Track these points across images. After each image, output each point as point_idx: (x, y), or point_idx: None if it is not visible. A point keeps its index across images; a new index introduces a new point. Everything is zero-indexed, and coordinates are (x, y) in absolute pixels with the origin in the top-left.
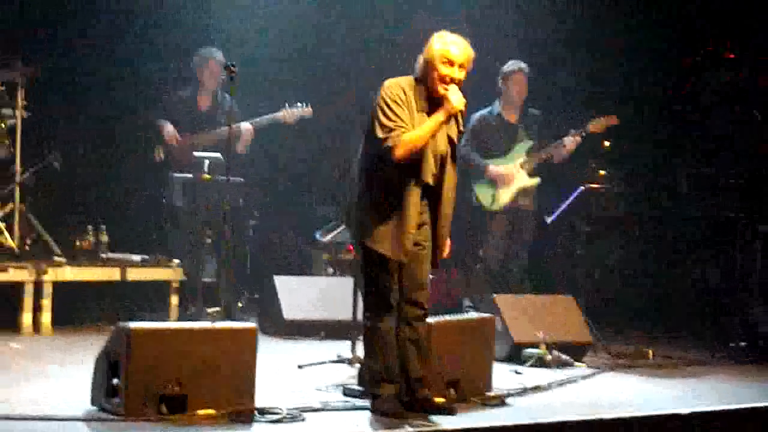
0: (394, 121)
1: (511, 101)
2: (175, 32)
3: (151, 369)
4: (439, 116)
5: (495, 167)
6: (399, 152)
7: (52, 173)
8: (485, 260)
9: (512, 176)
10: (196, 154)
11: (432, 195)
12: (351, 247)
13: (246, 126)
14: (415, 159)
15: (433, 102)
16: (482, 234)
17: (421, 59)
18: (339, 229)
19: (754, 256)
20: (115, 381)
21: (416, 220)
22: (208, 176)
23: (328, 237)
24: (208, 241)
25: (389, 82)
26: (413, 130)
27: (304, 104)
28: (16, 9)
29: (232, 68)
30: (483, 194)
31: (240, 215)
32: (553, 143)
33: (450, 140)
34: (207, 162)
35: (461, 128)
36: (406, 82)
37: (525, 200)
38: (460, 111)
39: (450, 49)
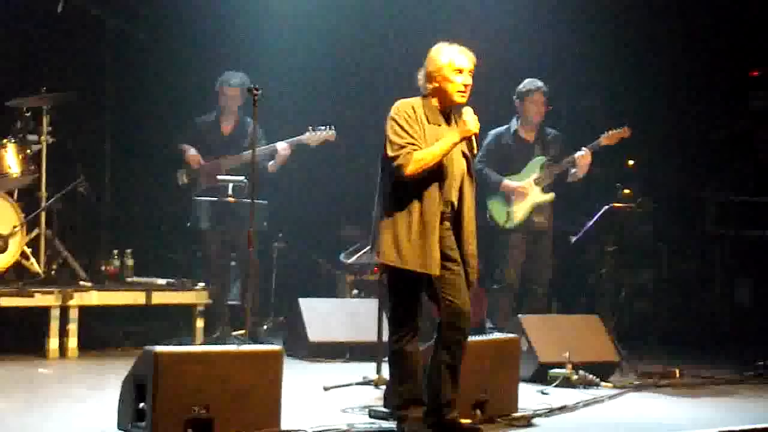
0: (404, 138)
1: (529, 121)
2: (200, 56)
3: (177, 393)
4: (454, 137)
5: (509, 182)
6: (409, 169)
7: (77, 198)
8: (505, 281)
9: (527, 191)
10: (219, 177)
11: (453, 215)
12: (376, 269)
13: (282, 145)
14: (437, 176)
15: (445, 114)
16: (498, 253)
17: (423, 74)
18: (363, 251)
19: None
20: (141, 405)
21: (442, 240)
22: (232, 199)
23: (353, 258)
24: (233, 264)
25: (399, 102)
26: (425, 148)
27: (328, 127)
28: (41, 35)
29: (255, 91)
30: (497, 211)
31: (264, 238)
32: (565, 159)
33: (465, 156)
34: (231, 185)
35: (475, 151)
36: (415, 100)
37: (540, 217)
38: (475, 134)
39: (456, 57)
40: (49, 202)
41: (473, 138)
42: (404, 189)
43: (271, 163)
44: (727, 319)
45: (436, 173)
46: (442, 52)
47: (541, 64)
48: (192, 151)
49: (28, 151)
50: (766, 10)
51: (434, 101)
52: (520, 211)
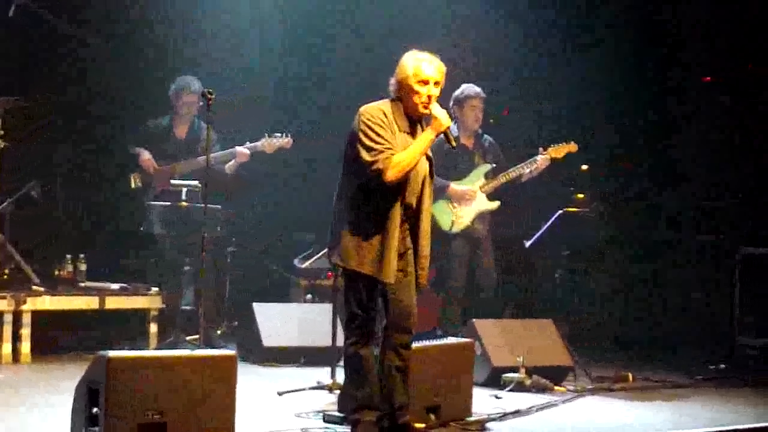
0: (381, 144)
1: (467, 126)
2: (154, 59)
3: (131, 398)
4: (429, 134)
5: (457, 186)
6: (390, 174)
7: (30, 202)
8: (450, 287)
9: (473, 197)
10: (173, 182)
11: (410, 217)
12: (330, 274)
13: (241, 149)
14: (399, 183)
15: (413, 122)
16: (444, 259)
17: (393, 81)
18: (317, 256)
19: (736, 278)
20: (95, 410)
21: (399, 241)
22: (186, 203)
23: (307, 263)
24: (187, 268)
25: (367, 107)
26: (402, 152)
27: (284, 134)
28: None
29: (209, 95)
30: (441, 216)
31: (218, 242)
32: (517, 164)
33: (428, 158)
34: (185, 189)
35: (453, 144)
36: (383, 105)
37: (480, 225)
38: (448, 127)
39: (422, 67)
40: (2, 206)
41: (448, 132)
42: (366, 192)
43: (230, 163)
44: (680, 324)
45: (404, 178)
46: (409, 61)
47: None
48: (146, 155)
49: None
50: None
51: (402, 107)
52: (465, 216)
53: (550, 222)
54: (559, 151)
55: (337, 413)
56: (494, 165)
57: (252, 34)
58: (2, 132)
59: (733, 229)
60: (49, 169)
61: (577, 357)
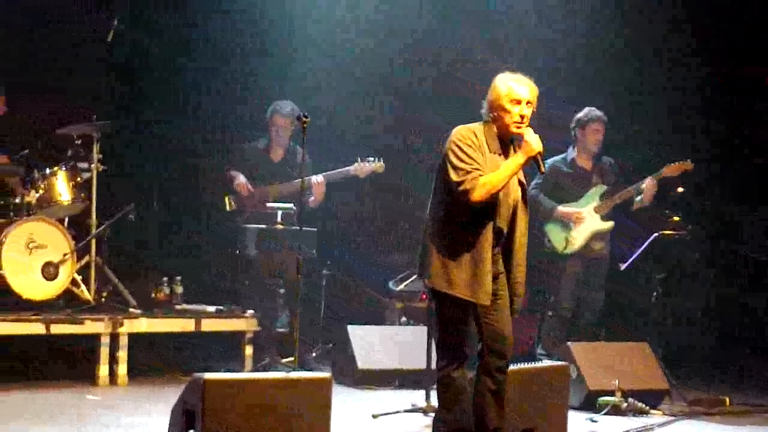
0: (469, 164)
1: (587, 149)
2: (252, 83)
3: (226, 420)
4: (519, 158)
5: (564, 207)
6: (476, 194)
7: (127, 226)
8: (558, 307)
9: (584, 218)
10: (268, 204)
11: (504, 242)
12: (424, 296)
13: (316, 179)
14: (491, 204)
15: (504, 144)
16: (554, 280)
17: (485, 103)
18: (412, 278)
19: None
20: None
21: (491, 264)
22: (281, 226)
23: (401, 286)
24: (282, 291)
25: (458, 128)
26: (491, 173)
27: (377, 159)
28: (91, 63)
29: (304, 118)
30: (556, 237)
31: (313, 265)
32: (628, 187)
33: (521, 184)
34: (280, 212)
35: (542, 169)
36: (475, 126)
37: (598, 245)
38: (539, 152)
39: (515, 87)
40: (100, 229)
41: (538, 157)
42: (458, 214)
43: (311, 198)
44: None
45: (491, 200)
46: (502, 82)
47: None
48: (241, 179)
49: (79, 178)
50: None
51: (494, 129)
52: (579, 237)
53: (645, 244)
54: (674, 169)
55: None
56: (610, 186)
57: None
58: (101, 155)
59: None
60: (146, 192)
61: (673, 380)
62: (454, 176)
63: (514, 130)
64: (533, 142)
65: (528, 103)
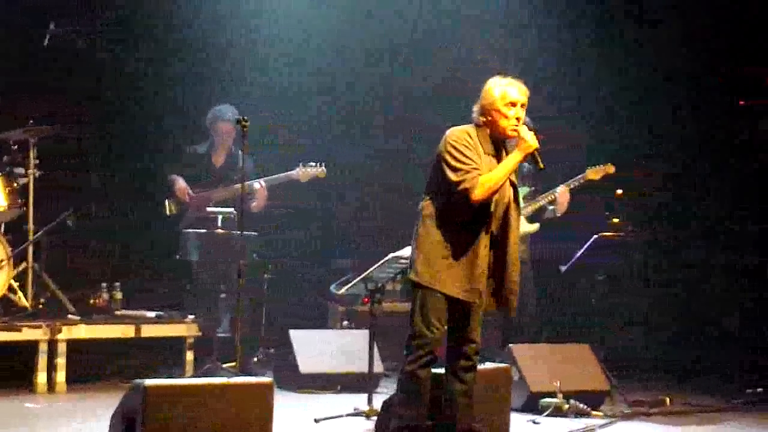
0: (468, 164)
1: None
2: (191, 86)
3: (167, 426)
4: (516, 156)
5: None
6: (477, 193)
7: (65, 231)
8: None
9: None
10: (209, 209)
11: (494, 243)
12: (366, 300)
13: (256, 186)
14: (486, 204)
15: (497, 146)
16: None
17: (477, 107)
18: (354, 282)
19: None
20: None
21: (486, 265)
22: (221, 230)
23: (343, 290)
24: (223, 296)
25: (454, 129)
26: (490, 172)
27: (319, 164)
28: (27, 68)
29: (244, 122)
30: None
31: (254, 269)
32: (545, 193)
33: (512, 184)
34: (220, 217)
35: (541, 165)
36: (468, 128)
37: (521, 247)
38: (536, 149)
39: (509, 91)
40: (37, 235)
41: (535, 153)
42: (452, 214)
43: (253, 203)
44: (717, 348)
45: (489, 200)
46: (496, 86)
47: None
48: (181, 183)
49: (15, 184)
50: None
51: (487, 132)
52: None
53: (586, 247)
54: (596, 173)
55: None
56: (532, 188)
57: (288, 61)
58: (38, 161)
59: None
60: (84, 197)
61: (614, 381)
62: (453, 176)
63: (510, 133)
64: (529, 138)
65: (522, 105)
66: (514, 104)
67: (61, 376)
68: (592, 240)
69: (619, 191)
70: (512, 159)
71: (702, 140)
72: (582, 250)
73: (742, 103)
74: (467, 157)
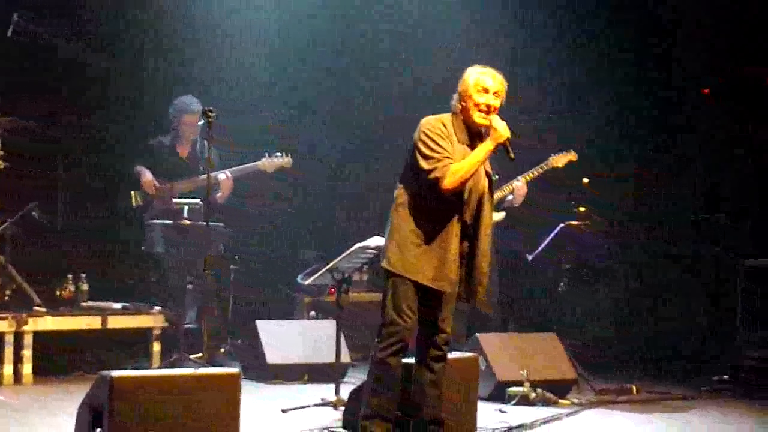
0: (440, 153)
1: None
2: (156, 77)
3: (134, 417)
4: (488, 145)
5: None
6: (447, 182)
7: (30, 223)
8: None
9: None
10: (175, 200)
11: (467, 233)
12: (332, 290)
13: (221, 177)
14: (459, 193)
15: (471, 135)
16: None
17: (455, 95)
18: (320, 272)
19: (738, 290)
20: (98, 430)
21: (458, 254)
22: (188, 222)
23: (310, 280)
24: (189, 287)
25: (428, 119)
26: (461, 161)
27: (284, 154)
28: None
29: (209, 113)
30: None
31: (221, 260)
32: (505, 183)
33: (487, 174)
34: (186, 208)
35: (511, 155)
36: (444, 117)
37: None
38: (507, 138)
39: (483, 78)
40: (2, 227)
41: (507, 143)
42: (425, 203)
43: (218, 194)
44: (684, 336)
45: (461, 189)
46: (471, 73)
47: None
48: (147, 175)
49: None
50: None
51: (462, 119)
52: None
53: (552, 236)
54: (559, 160)
55: (341, 429)
56: (497, 176)
57: (256, 52)
58: (3, 152)
59: (735, 242)
60: (50, 189)
61: (581, 370)
62: (424, 164)
63: (476, 118)
64: (501, 128)
65: (495, 93)
66: (486, 90)
67: (27, 368)
68: (558, 228)
69: (586, 180)
70: (483, 148)
71: (670, 131)
72: (548, 239)
73: (705, 92)
74: (439, 145)
